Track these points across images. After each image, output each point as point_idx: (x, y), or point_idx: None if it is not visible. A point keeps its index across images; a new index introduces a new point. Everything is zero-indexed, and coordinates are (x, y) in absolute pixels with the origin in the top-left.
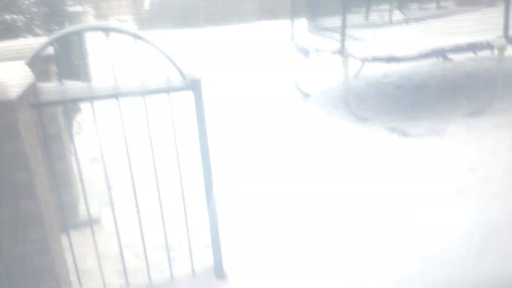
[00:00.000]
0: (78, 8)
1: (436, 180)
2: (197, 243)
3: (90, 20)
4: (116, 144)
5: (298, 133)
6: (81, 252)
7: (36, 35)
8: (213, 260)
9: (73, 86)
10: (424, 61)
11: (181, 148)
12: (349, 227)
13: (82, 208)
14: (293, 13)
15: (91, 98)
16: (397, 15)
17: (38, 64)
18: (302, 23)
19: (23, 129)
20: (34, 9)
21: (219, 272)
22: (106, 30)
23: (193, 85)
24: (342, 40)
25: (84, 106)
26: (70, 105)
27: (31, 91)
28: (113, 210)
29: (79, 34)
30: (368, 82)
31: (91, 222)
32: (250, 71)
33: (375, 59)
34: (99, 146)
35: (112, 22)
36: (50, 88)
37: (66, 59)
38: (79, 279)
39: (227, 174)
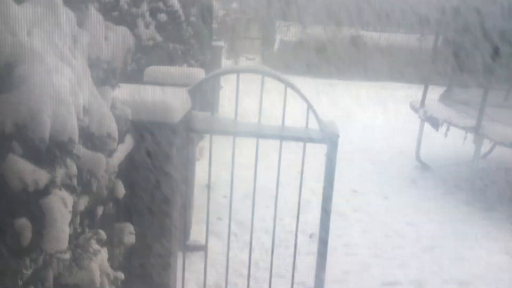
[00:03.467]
0: (220, 43)
1: None
2: None
3: (224, 54)
4: (231, 175)
5: (409, 210)
6: (186, 276)
7: (189, 64)
8: None
9: (220, 119)
10: None
11: (301, 191)
12: None
13: (192, 233)
14: (428, 79)
15: (235, 133)
16: None
17: (194, 92)
18: (433, 91)
19: (175, 150)
20: (192, 41)
21: None
22: (262, 74)
23: (331, 139)
24: (479, 118)
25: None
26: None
27: (188, 116)
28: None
29: (237, 73)
30: (497, 166)
31: (198, 248)
32: (370, 129)
33: None
34: (214, 175)
35: (262, 67)
36: (202, 117)
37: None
38: None
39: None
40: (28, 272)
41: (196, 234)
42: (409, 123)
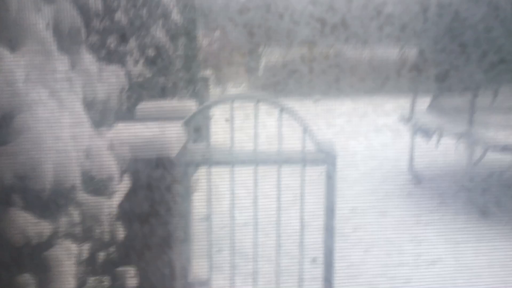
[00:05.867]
0: (207, 74)
1: None
2: None
3: (211, 84)
4: (229, 205)
5: (409, 224)
6: None
7: (180, 96)
8: None
9: (216, 149)
10: None
11: (301, 216)
12: None
13: (193, 268)
14: (415, 89)
15: (232, 163)
16: None
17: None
18: (421, 100)
19: (174, 184)
20: (180, 74)
21: None
22: (255, 100)
23: (329, 160)
24: (470, 124)
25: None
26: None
27: (184, 150)
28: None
29: (231, 101)
30: (490, 171)
31: (200, 284)
32: (361, 146)
33: (505, 149)
34: (211, 206)
35: (252, 92)
36: (198, 149)
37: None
38: None
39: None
40: None
41: (197, 268)
42: (399, 136)
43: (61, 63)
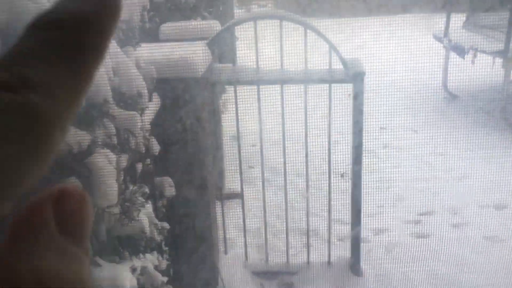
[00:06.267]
0: None
1: None
2: (334, 234)
3: (235, 3)
4: (257, 124)
5: (439, 141)
6: (225, 223)
7: (203, 17)
8: (350, 254)
9: (242, 69)
10: None
11: (331, 138)
12: None
13: (226, 182)
14: (451, 6)
15: (259, 82)
16: None
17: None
18: (456, 18)
19: (201, 103)
20: None
21: (356, 267)
22: (280, 18)
23: (356, 78)
24: (507, 41)
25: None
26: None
27: (210, 70)
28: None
29: (254, 21)
30: None
31: (234, 196)
32: (394, 64)
33: None
34: (241, 126)
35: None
36: (224, 69)
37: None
38: (225, 247)
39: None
40: None
41: (230, 183)
42: (434, 54)
43: None
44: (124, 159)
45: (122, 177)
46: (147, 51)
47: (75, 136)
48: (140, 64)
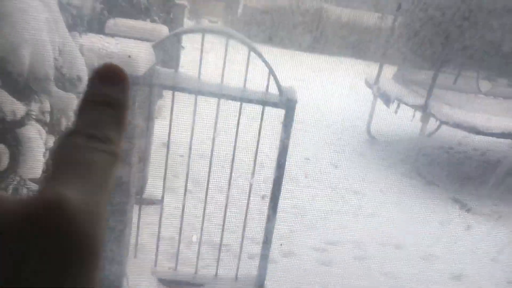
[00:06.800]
0: (183, 2)
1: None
2: (245, 251)
3: (186, 14)
4: (188, 135)
5: (356, 179)
6: (139, 228)
7: (152, 20)
8: (257, 272)
9: (183, 76)
10: (504, 141)
11: (258, 159)
12: None
13: (148, 188)
14: (384, 57)
15: (197, 92)
16: (486, 85)
17: (158, 49)
18: (389, 69)
19: (137, 104)
20: None
21: (260, 285)
22: (227, 35)
23: (289, 104)
24: (428, 97)
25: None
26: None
27: (151, 71)
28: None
29: (202, 33)
30: (440, 144)
31: (153, 202)
32: (325, 102)
33: (457, 126)
34: (172, 134)
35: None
36: (165, 73)
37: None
38: (135, 251)
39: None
40: None
41: (152, 189)
42: (362, 99)
43: None
44: (51, 139)
45: (47, 156)
46: (92, 40)
47: (12, 105)
48: (84, 51)
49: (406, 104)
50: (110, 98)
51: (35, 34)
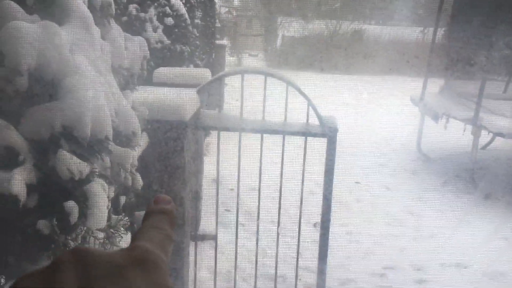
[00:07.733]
0: (223, 42)
1: None
2: (301, 281)
3: (227, 52)
4: (237, 170)
5: (410, 200)
6: (197, 263)
7: (195, 64)
8: None
9: (226, 116)
10: None
11: (306, 188)
12: None
13: (202, 223)
14: (428, 72)
15: (241, 129)
16: None
17: (202, 92)
18: (434, 84)
19: (186, 145)
20: (197, 42)
21: None
22: (265, 74)
23: (330, 133)
24: (477, 110)
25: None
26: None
27: (197, 115)
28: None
29: (242, 74)
30: (496, 156)
31: (208, 238)
32: (372, 123)
33: (511, 136)
34: (222, 170)
35: (264, 66)
36: (210, 114)
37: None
38: (194, 286)
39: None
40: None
41: (206, 225)
42: (410, 116)
43: (96, 34)
44: (112, 191)
45: (110, 206)
46: (142, 94)
47: (79, 166)
48: (136, 106)
49: (455, 118)
50: (164, 209)
51: (96, 103)
